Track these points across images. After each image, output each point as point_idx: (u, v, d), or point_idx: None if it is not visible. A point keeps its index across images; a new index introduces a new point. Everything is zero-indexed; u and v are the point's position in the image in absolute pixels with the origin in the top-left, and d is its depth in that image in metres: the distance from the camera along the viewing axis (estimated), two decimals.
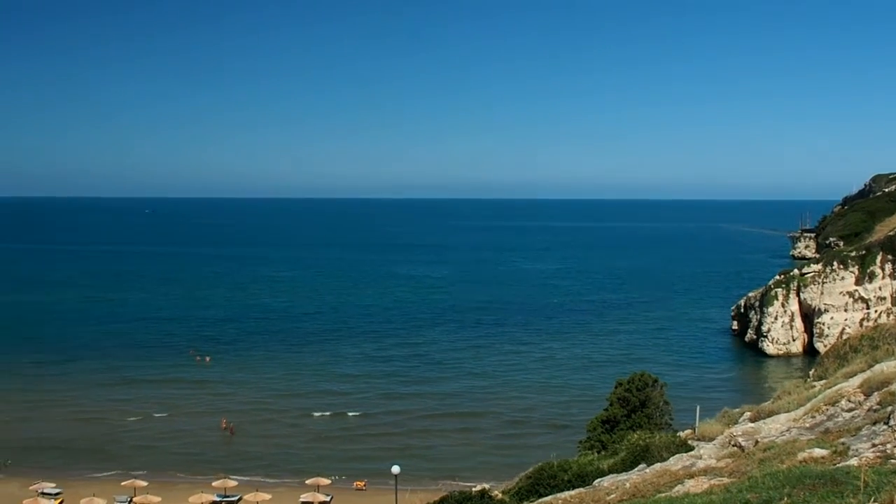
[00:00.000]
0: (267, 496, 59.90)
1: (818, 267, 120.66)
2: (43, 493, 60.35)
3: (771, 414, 22.32)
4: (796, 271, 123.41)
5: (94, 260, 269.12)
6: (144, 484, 62.03)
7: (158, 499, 59.56)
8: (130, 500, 60.67)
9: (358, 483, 65.38)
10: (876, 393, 18.53)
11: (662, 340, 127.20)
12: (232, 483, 62.48)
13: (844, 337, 66.02)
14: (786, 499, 10.56)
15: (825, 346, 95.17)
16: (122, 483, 62.70)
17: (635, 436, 28.08)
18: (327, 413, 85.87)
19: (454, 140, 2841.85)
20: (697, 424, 28.33)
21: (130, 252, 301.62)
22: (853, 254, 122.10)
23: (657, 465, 19.93)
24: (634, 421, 40.49)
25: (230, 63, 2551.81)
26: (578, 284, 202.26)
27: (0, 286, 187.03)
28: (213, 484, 62.25)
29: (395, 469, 46.90)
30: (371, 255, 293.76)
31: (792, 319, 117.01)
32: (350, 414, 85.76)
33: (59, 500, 60.25)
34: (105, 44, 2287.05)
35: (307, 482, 62.70)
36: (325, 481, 62.55)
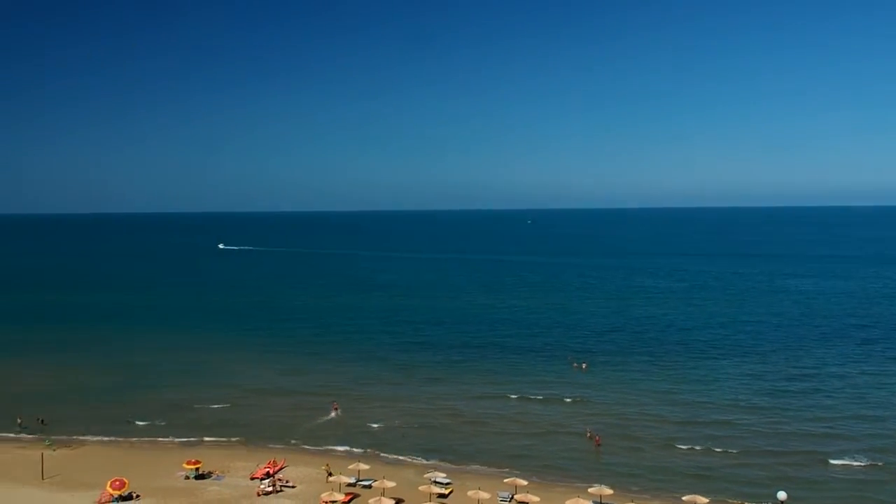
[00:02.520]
0: None
1: None
2: (435, 482, 64.98)
3: None
4: None
5: (479, 268, 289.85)
6: (524, 483, 63.86)
7: (537, 499, 60.83)
8: (512, 498, 62.88)
9: None
10: None
11: None
12: (608, 491, 61.74)
13: None
14: None
15: None
16: (505, 480, 65.16)
17: None
18: (702, 437, 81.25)
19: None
20: None
21: (510, 261, 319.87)
22: None
23: None
24: None
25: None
26: None
27: (413, 291, 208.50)
28: (590, 490, 62.05)
29: (782, 495, 42.68)
30: (754, 266, 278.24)
31: None
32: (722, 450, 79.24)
33: (448, 490, 64.29)
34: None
35: (684, 499, 59.83)
36: (703, 500, 59.13)
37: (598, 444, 77.57)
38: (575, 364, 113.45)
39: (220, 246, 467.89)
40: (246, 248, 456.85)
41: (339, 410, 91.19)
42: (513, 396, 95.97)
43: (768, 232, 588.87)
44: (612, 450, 76.22)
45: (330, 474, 67.88)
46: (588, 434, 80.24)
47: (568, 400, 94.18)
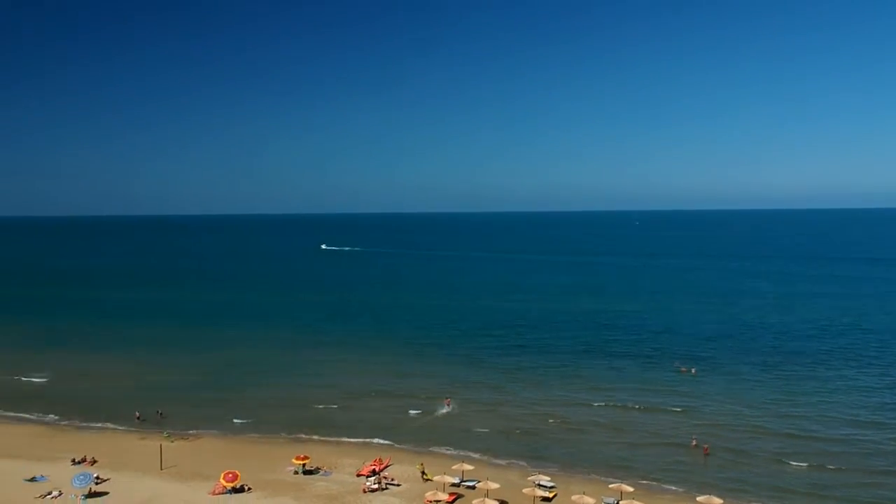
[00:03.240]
0: None
1: None
2: (539, 485, 64.54)
3: None
4: None
5: (581, 270, 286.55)
6: (630, 489, 62.66)
7: None
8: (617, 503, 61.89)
9: None
10: None
11: None
12: (717, 501, 59.82)
13: None
14: None
15: None
16: (610, 485, 64.12)
17: None
18: (817, 452, 77.58)
19: None
20: None
21: (614, 263, 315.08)
22: None
23: None
24: None
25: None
26: None
27: (515, 293, 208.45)
28: (699, 500, 60.29)
29: None
30: (875, 270, 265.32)
31: None
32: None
33: (552, 493, 63.73)
34: None
35: None
36: None
37: (707, 454, 75.32)
38: (683, 369, 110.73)
39: (323, 246, 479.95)
40: (347, 248, 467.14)
41: (451, 405, 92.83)
42: (617, 402, 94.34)
43: (886, 234, 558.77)
44: (719, 461, 73.80)
45: (423, 474, 68.49)
46: (694, 443, 77.98)
47: (673, 407, 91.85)
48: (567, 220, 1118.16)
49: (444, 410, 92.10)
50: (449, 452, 76.53)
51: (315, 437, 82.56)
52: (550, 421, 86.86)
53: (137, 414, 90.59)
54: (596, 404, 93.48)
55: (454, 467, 68.11)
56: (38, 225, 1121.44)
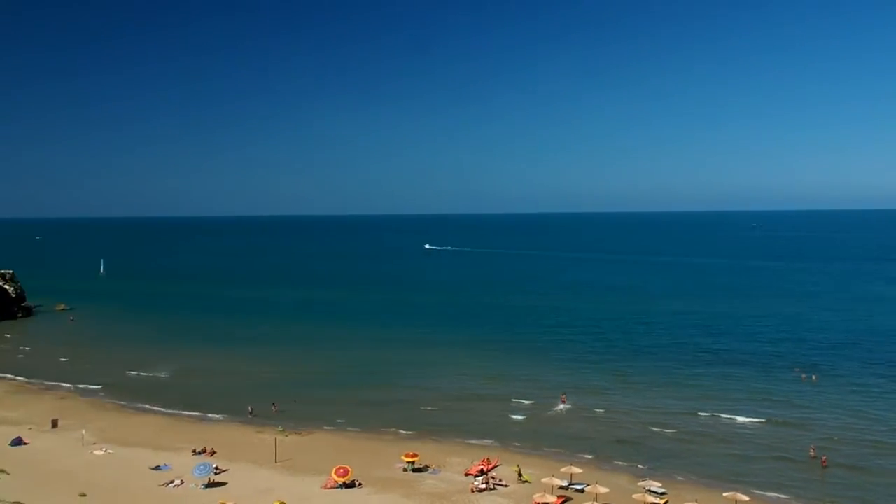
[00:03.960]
0: None
1: None
2: (650, 491, 63.13)
3: None
4: None
5: (694, 272, 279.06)
6: (746, 499, 60.46)
7: None
8: None
9: None
10: None
11: None
12: None
13: None
14: None
15: None
16: (724, 494, 62.08)
17: None
18: None
19: None
20: None
21: (730, 266, 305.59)
22: None
23: None
24: None
25: None
26: None
27: (626, 295, 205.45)
28: None
29: None
30: None
31: None
32: None
33: (663, 500, 62.16)
34: None
35: None
36: None
37: (825, 466, 71.79)
38: (804, 376, 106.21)
39: (426, 246, 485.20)
40: (449, 248, 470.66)
41: (566, 402, 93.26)
42: (730, 411, 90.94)
43: None
44: (838, 475, 69.88)
45: (520, 475, 68.16)
46: (812, 453, 74.41)
47: (790, 417, 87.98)
48: (675, 221, 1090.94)
49: (560, 407, 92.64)
50: (557, 454, 75.80)
51: (424, 435, 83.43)
52: (660, 428, 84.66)
53: (250, 408, 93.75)
54: (708, 412, 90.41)
55: (562, 470, 67.44)
56: (144, 225, 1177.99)
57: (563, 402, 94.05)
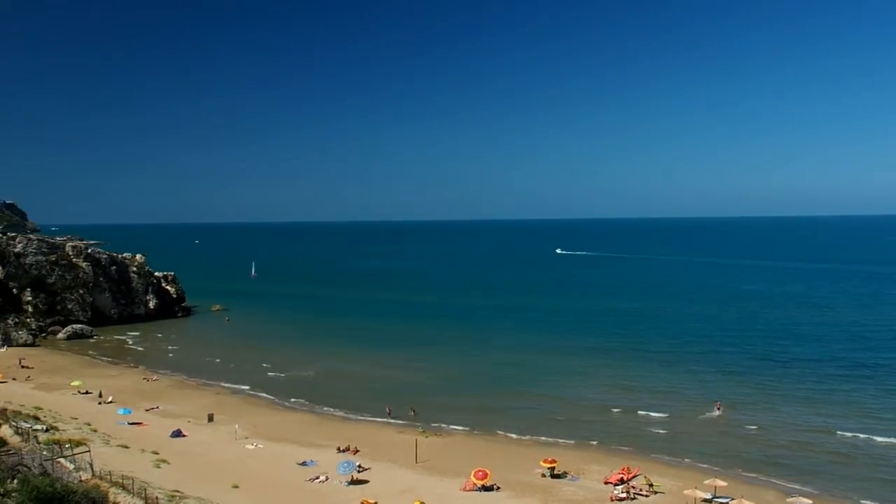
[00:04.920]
0: None
1: None
2: None
3: None
4: None
5: (844, 278, 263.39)
6: None
7: None
8: None
9: None
10: None
11: None
12: None
13: None
14: None
15: None
16: None
17: None
18: None
19: None
20: None
21: (878, 273, 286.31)
22: None
23: None
24: None
25: None
26: None
27: (774, 303, 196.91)
28: None
29: None
30: None
31: None
32: None
33: None
34: None
35: None
36: None
37: None
38: None
39: (558, 251, 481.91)
40: (581, 253, 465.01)
41: (721, 409, 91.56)
42: (889, 430, 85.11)
43: None
44: None
45: (650, 486, 66.38)
46: None
47: None
48: (822, 225, 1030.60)
49: (712, 414, 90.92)
50: (701, 466, 73.49)
51: (562, 440, 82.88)
52: (811, 444, 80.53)
53: (388, 409, 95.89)
54: (862, 431, 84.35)
55: (706, 482, 65.37)
56: (299, 229, 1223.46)
57: (719, 410, 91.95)
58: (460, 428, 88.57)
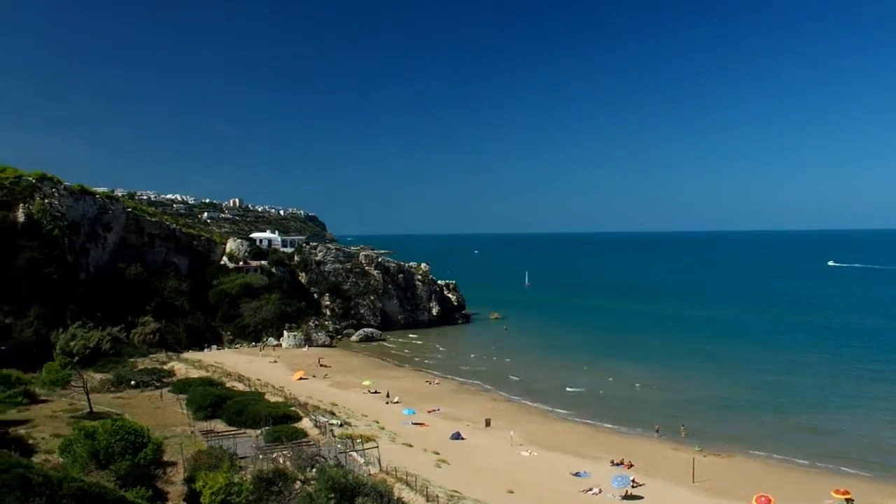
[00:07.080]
0: None
1: None
2: None
3: None
4: None
5: None
6: None
7: None
8: None
9: None
10: None
11: None
12: None
13: None
14: None
15: None
16: None
17: None
18: None
19: None
20: None
21: None
22: None
23: None
24: None
25: None
26: None
27: None
28: None
29: None
30: None
31: None
32: None
33: None
34: None
35: None
36: None
37: None
38: None
39: (830, 263, 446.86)
40: (858, 265, 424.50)
41: None
42: None
43: None
44: None
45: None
46: None
47: None
48: None
49: None
50: None
51: (859, 472, 75.60)
52: None
53: (657, 427, 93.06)
54: None
55: None
56: (575, 240, 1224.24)
57: None
58: (740, 449, 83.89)
